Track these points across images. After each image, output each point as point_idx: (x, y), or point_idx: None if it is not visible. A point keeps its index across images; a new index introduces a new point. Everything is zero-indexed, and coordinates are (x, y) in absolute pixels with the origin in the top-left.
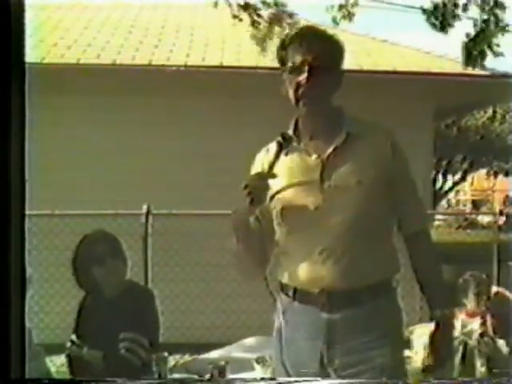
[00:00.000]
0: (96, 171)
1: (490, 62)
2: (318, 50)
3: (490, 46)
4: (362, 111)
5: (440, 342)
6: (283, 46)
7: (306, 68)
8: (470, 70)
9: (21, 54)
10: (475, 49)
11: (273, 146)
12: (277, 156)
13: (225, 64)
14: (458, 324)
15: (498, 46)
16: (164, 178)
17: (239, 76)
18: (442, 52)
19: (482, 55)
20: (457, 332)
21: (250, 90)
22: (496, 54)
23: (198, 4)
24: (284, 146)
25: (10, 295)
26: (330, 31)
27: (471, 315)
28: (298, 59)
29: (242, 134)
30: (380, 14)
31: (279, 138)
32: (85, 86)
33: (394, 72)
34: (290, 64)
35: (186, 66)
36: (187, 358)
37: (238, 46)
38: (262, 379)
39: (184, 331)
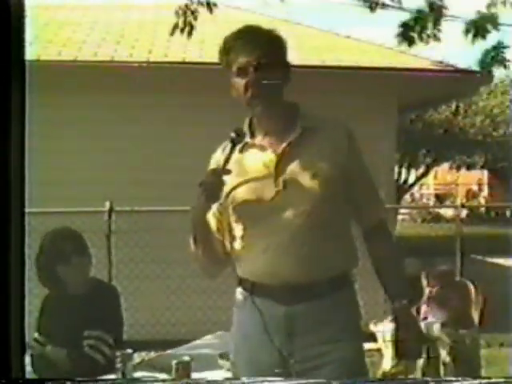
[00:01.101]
0: (58, 169)
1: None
2: (260, 49)
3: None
4: (325, 106)
5: (404, 333)
6: (225, 50)
7: (252, 68)
8: (433, 65)
9: (21, 53)
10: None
11: (228, 143)
12: (230, 152)
13: (188, 60)
14: (421, 314)
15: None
16: (126, 176)
17: (202, 72)
18: (404, 48)
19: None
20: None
21: (214, 87)
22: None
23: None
24: (237, 142)
25: (10, 295)
26: (290, 29)
27: (434, 306)
28: (243, 61)
29: (203, 131)
30: (343, 10)
31: (232, 134)
32: (45, 84)
33: (357, 67)
34: (235, 67)
35: (148, 62)
36: (153, 354)
37: (200, 43)
38: (227, 379)
39: (150, 328)
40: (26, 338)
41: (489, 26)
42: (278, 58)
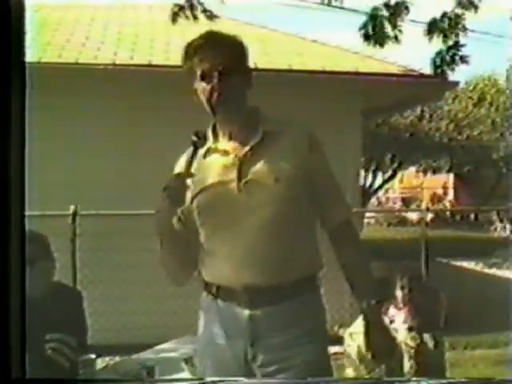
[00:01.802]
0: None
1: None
2: (225, 54)
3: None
4: (290, 110)
5: (373, 334)
6: (189, 54)
7: (216, 74)
8: (399, 70)
9: (21, 54)
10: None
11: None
12: (193, 156)
13: (154, 63)
14: (388, 317)
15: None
16: (91, 179)
17: (167, 75)
18: (370, 52)
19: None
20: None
21: (177, 89)
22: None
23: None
24: (199, 145)
25: (11, 295)
26: (257, 32)
27: (400, 309)
28: (206, 66)
29: (168, 133)
30: (310, 14)
31: (193, 137)
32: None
33: (323, 72)
34: (199, 72)
35: (114, 64)
36: (117, 359)
37: (166, 45)
38: (190, 380)
39: (115, 333)
40: (26, 337)
41: (448, 29)
42: (241, 64)
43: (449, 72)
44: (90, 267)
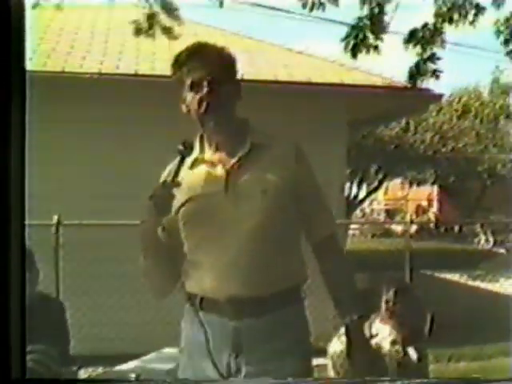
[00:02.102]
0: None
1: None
2: (213, 65)
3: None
4: (277, 122)
5: (354, 348)
6: (179, 64)
7: (205, 84)
8: (384, 83)
9: (21, 54)
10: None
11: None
12: (179, 165)
13: (140, 73)
14: (373, 330)
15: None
16: (74, 188)
17: (153, 85)
18: (356, 64)
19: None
20: (373, 338)
21: (165, 99)
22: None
23: (112, 8)
24: (185, 154)
25: (11, 295)
26: (242, 43)
27: (385, 322)
28: (196, 76)
29: (153, 143)
30: (297, 25)
31: (180, 147)
32: None
33: (309, 83)
34: (188, 82)
35: (99, 73)
36: (100, 371)
37: (152, 55)
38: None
39: (98, 343)
40: (25, 338)
41: (425, 41)
42: (230, 75)
43: (421, 83)
44: (73, 278)
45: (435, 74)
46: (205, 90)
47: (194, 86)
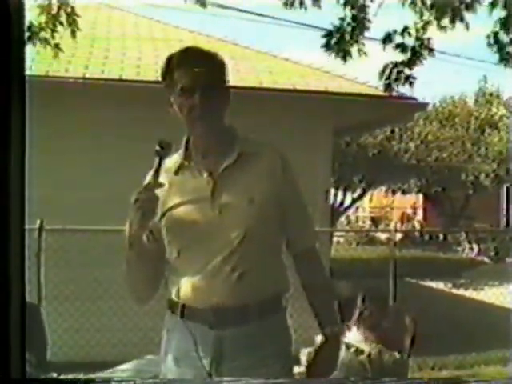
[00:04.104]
0: None
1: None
2: (206, 71)
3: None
4: (262, 128)
5: (326, 357)
6: (169, 69)
7: (197, 89)
8: (369, 90)
9: (21, 55)
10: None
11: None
12: (158, 165)
13: (124, 77)
14: (352, 339)
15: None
16: (58, 193)
17: (139, 90)
18: (341, 72)
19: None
20: (350, 347)
21: (150, 104)
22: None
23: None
24: (163, 155)
25: (11, 294)
26: (228, 49)
27: (362, 330)
28: (188, 81)
29: (138, 148)
30: (282, 32)
31: (157, 147)
32: None
33: (294, 90)
34: (179, 86)
35: (84, 78)
36: (81, 377)
37: (138, 60)
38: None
39: (78, 350)
40: (25, 337)
41: (405, 45)
42: (222, 81)
43: (396, 89)
44: (56, 283)
45: (409, 80)
46: (197, 95)
47: (186, 91)
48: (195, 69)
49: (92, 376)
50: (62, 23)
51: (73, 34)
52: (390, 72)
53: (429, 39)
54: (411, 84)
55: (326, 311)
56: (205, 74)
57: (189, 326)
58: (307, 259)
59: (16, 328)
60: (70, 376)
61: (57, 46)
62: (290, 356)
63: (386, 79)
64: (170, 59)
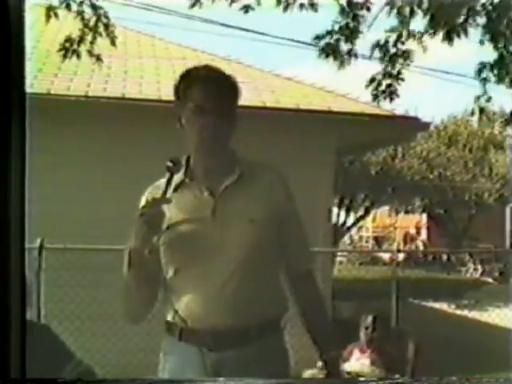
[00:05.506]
0: None
1: None
2: (222, 91)
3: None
4: (264, 147)
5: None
6: (183, 87)
7: (210, 109)
8: (372, 110)
9: (21, 56)
10: None
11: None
12: (168, 181)
13: (127, 96)
14: (352, 359)
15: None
16: (58, 211)
17: (140, 108)
18: (344, 91)
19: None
20: (349, 367)
21: (152, 122)
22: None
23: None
24: (174, 171)
25: (10, 295)
26: (231, 68)
27: (364, 351)
28: (202, 100)
29: (136, 166)
30: (285, 51)
31: (168, 163)
32: None
33: (297, 110)
34: (192, 104)
35: (86, 96)
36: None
37: (140, 78)
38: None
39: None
40: (25, 338)
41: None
42: (234, 103)
43: (381, 101)
44: (55, 302)
45: (390, 93)
46: (210, 116)
47: (199, 109)
48: (211, 88)
49: None
50: (100, 34)
51: (112, 42)
52: (378, 84)
53: (409, 51)
54: (391, 99)
55: (323, 337)
56: (220, 95)
57: (187, 349)
58: (302, 282)
59: (16, 327)
60: None
61: (98, 57)
62: (289, 377)
63: (374, 90)
64: (185, 76)
